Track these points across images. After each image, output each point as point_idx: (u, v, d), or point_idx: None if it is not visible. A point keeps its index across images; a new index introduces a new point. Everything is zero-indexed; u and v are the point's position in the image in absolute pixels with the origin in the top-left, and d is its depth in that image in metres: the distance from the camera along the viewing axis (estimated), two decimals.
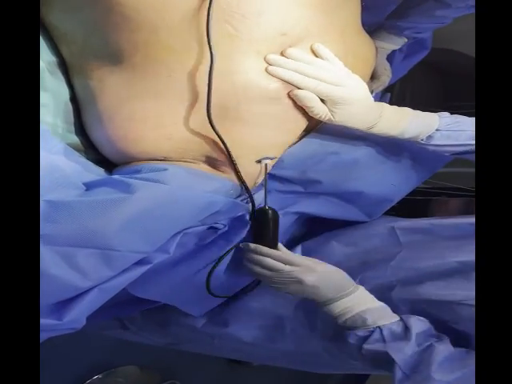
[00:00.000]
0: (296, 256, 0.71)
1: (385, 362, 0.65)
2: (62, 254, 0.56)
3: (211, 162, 0.71)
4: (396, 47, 0.90)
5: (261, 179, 0.73)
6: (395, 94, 1.11)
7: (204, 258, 0.74)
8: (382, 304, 0.69)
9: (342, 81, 0.68)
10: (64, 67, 0.71)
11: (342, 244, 0.75)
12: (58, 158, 0.62)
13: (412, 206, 0.91)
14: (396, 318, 0.68)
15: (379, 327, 0.66)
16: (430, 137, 0.73)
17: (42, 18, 0.68)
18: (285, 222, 0.74)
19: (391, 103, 0.76)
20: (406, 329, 0.66)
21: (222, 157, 0.70)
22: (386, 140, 0.76)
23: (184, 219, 0.65)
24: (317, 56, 0.68)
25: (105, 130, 0.69)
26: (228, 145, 0.68)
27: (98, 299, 0.61)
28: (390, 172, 0.81)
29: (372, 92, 0.86)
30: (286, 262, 0.69)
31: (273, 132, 0.70)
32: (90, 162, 0.71)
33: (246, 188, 0.70)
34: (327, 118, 0.69)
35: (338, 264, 0.73)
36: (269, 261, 0.69)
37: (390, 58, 0.91)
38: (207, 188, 0.68)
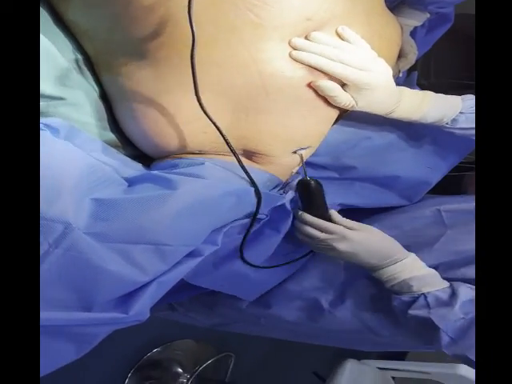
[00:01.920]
0: (333, 225, 0.71)
1: (429, 328, 0.67)
2: (118, 250, 0.57)
3: (246, 154, 0.71)
4: (419, 23, 0.88)
5: (297, 169, 0.74)
6: (418, 65, 1.09)
7: (252, 247, 0.76)
8: (431, 271, 0.71)
9: (368, 65, 0.66)
10: (90, 64, 0.70)
11: (385, 228, 0.76)
12: (97, 156, 0.63)
13: (445, 181, 0.90)
14: (445, 284, 0.69)
15: (424, 294, 0.68)
16: (454, 120, 0.72)
17: (62, 15, 0.67)
18: None
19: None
20: (453, 295, 0.67)
21: (256, 149, 0.70)
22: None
23: (225, 212, 0.66)
24: (342, 39, 0.66)
25: (139, 125, 0.69)
26: (260, 136, 0.67)
27: (157, 292, 0.62)
28: (425, 155, 0.81)
29: (399, 72, 0.86)
30: (322, 230, 0.71)
31: (304, 121, 0.70)
32: (128, 158, 0.71)
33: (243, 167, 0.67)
34: (351, 105, 0.69)
35: None
36: (306, 228, 0.72)
37: (413, 34, 0.90)
38: (243, 181, 0.68)
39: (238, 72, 0.63)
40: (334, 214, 0.73)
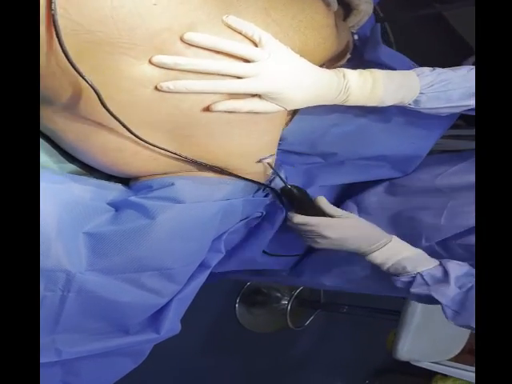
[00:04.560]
0: (316, 218, 0.71)
1: (433, 301, 0.69)
2: (127, 280, 0.58)
3: (213, 167, 0.66)
4: None
5: (271, 171, 0.71)
6: None
7: (252, 239, 0.79)
8: (418, 251, 0.72)
9: (260, 68, 0.54)
10: None
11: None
12: (72, 186, 0.60)
13: None
14: (435, 263, 0.71)
15: (419, 273, 0.70)
16: (416, 101, 0.64)
17: None
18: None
19: None
20: (445, 273, 0.69)
21: (219, 162, 0.66)
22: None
23: (217, 227, 0.66)
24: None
25: (90, 159, 0.64)
26: (215, 156, 0.64)
27: (180, 307, 0.65)
28: (407, 130, 0.74)
29: (354, 34, 0.73)
30: (308, 225, 0.71)
31: (252, 135, 0.64)
32: (103, 181, 0.68)
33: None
34: (280, 110, 0.60)
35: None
36: (296, 226, 0.73)
37: None
38: (220, 194, 0.66)
39: (154, 109, 0.57)
40: (321, 201, 0.73)
